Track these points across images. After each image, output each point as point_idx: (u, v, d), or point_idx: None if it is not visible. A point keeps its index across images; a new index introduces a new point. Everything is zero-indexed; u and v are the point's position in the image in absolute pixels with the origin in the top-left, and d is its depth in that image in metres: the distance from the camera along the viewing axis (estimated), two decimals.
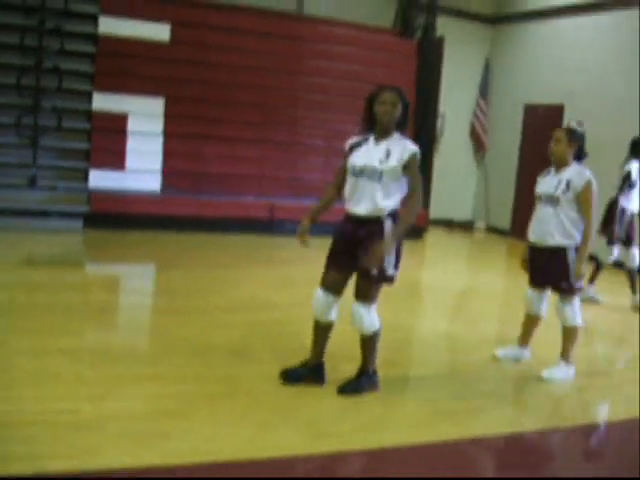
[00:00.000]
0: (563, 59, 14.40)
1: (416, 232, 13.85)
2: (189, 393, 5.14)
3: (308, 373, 5.56)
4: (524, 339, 6.65)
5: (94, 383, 5.12)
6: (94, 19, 12.31)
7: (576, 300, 6.26)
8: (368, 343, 5.49)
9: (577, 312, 6.26)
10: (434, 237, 14.65)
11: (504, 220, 15.70)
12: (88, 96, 12.21)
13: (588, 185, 6.05)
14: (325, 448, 4.48)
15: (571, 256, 6.12)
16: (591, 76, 13.69)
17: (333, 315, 5.52)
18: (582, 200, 6.06)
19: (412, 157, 5.22)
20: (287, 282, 9.34)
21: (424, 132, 14.71)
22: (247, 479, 4.07)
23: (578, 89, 13.92)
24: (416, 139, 14.32)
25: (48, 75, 11.94)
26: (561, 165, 6.22)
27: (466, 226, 16.28)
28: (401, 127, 5.36)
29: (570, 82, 14.14)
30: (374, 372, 5.58)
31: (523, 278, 6.68)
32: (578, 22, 14.12)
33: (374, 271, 5.20)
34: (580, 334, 6.38)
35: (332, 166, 13.69)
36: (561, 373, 6.26)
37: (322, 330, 5.57)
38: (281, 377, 5.50)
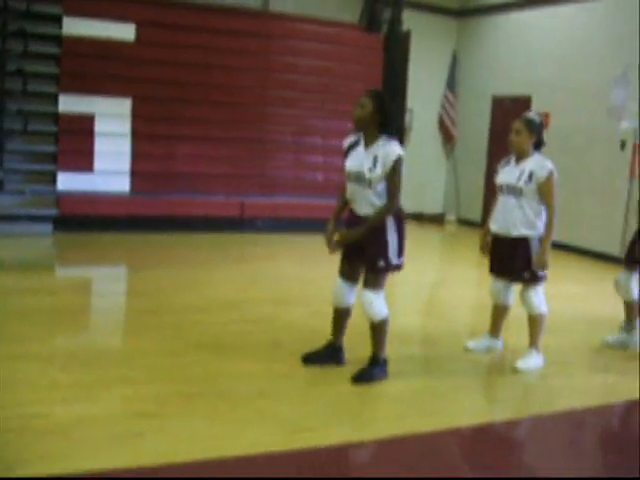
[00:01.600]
0: (529, 50, 14.49)
1: None
2: (163, 393, 5.11)
3: (327, 355, 6.02)
4: (494, 330, 6.69)
5: (67, 387, 5.09)
6: (58, 20, 12.19)
7: (540, 288, 6.30)
8: (378, 330, 5.75)
9: (542, 300, 6.32)
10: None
11: (475, 212, 15.75)
12: (54, 98, 12.09)
13: (550, 175, 6.10)
14: (301, 444, 4.47)
15: (534, 246, 6.17)
16: (557, 66, 13.78)
17: (350, 300, 5.91)
18: (545, 191, 6.11)
19: (394, 163, 5.49)
20: (258, 279, 9.32)
21: (392, 127, 14.71)
22: (228, 479, 4.06)
23: (545, 80, 14.01)
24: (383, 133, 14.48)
25: (12, 78, 11.84)
26: (522, 156, 6.26)
27: (437, 219, 16.31)
28: (383, 128, 5.54)
29: (537, 73, 14.23)
30: (384, 361, 5.80)
31: None
32: (543, 13, 14.20)
33: (381, 262, 5.57)
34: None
35: (302, 162, 13.77)
36: (533, 362, 6.30)
37: (340, 315, 5.98)
38: (303, 360, 5.94)
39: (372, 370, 5.73)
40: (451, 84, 16.39)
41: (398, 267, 5.72)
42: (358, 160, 5.61)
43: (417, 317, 8.22)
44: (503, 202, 6.32)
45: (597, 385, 6.27)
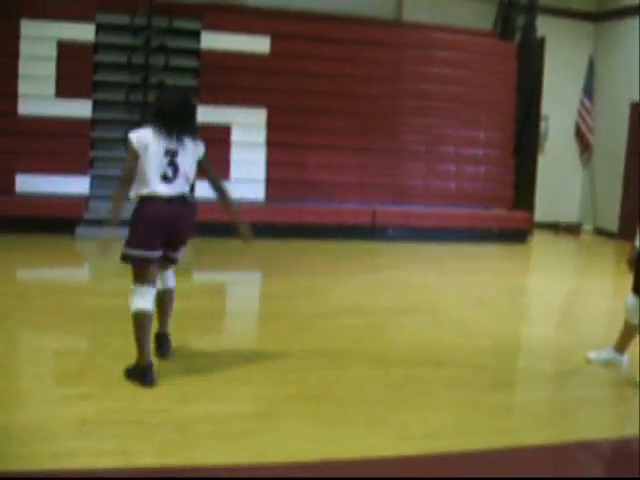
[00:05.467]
0: None
1: (520, 235, 13.79)
2: (278, 395, 5.31)
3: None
4: (621, 346, 6.45)
5: (186, 385, 5.36)
6: (197, 35, 12.71)
7: None
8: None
9: None
10: (539, 240, 14.52)
11: (612, 222, 15.41)
12: None
13: None
14: (410, 451, 4.55)
15: None
16: None
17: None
18: None
19: None
20: (385, 287, 9.44)
21: (526, 135, 14.61)
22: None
23: None
24: (518, 142, 14.38)
25: (155, 91, 12.36)
26: None
27: (573, 229, 16.02)
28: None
29: None
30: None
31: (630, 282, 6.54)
32: None
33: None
34: None
35: (434, 171, 13.82)
36: None
37: None
38: None
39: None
40: (588, 90, 16.08)
41: (124, 258, 5.44)
42: None
43: (546, 328, 8.12)
44: None
45: None
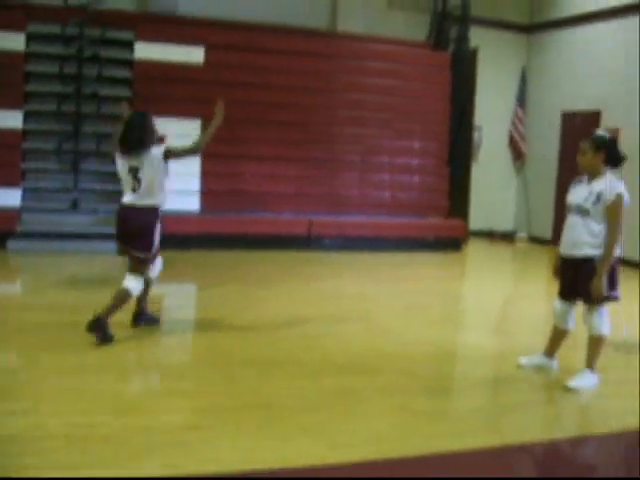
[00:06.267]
0: (599, 65, 14.38)
1: (455, 244, 13.92)
2: (212, 406, 5.27)
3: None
4: (550, 350, 6.59)
5: (120, 398, 5.29)
6: (130, 45, 12.62)
7: (604, 309, 6.20)
8: None
9: (604, 321, 6.18)
10: (475, 248, 14.68)
11: (545, 229, 15.63)
12: None
13: (618, 199, 5.96)
14: (342, 459, 4.55)
15: (599, 267, 6.02)
16: (628, 81, 13.62)
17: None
18: (610, 213, 5.97)
19: None
20: (320, 296, 9.43)
21: (460, 144, 14.77)
22: None
23: (615, 95, 13.88)
24: (452, 151, 14.53)
25: (88, 101, 12.26)
26: (593, 175, 6.13)
27: (507, 236, 16.23)
28: None
29: (607, 88, 14.12)
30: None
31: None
32: (613, 26, 14.10)
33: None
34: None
35: (369, 181, 13.88)
36: (586, 382, 6.24)
37: None
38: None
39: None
40: (521, 100, 16.36)
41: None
42: None
43: (480, 334, 8.18)
44: (570, 222, 6.21)
45: None
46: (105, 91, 12.49)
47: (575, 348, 6.66)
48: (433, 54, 15.01)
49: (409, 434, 5.01)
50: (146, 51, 12.62)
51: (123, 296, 6.75)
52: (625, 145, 13.05)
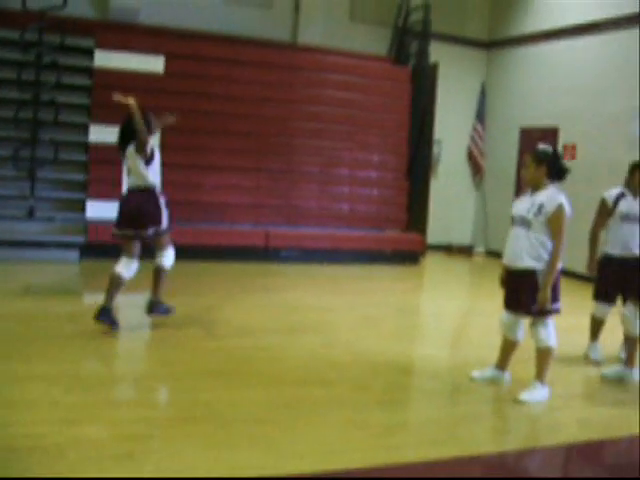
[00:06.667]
0: (557, 81, 14.56)
1: (413, 257, 13.97)
2: (160, 417, 5.24)
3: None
4: (501, 362, 6.64)
5: (67, 408, 5.23)
6: (90, 53, 12.53)
7: (549, 321, 6.27)
8: None
9: (551, 333, 6.26)
10: (432, 262, 14.75)
11: (503, 243, 15.58)
12: (85, 128, 12.40)
13: (559, 209, 6.06)
14: (291, 470, 4.54)
15: (541, 279, 6.12)
16: (585, 97, 13.83)
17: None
18: (553, 224, 6.06)
19: None
20: (276, 308, 9.39)
21: (419, 158, 14.85)
22: None
23: (571, 111, 14.07)
24: (411, 165, 14.61)
25: (45, 108, 12.14)
26: (536, 188, 6.24)
27: (465, 250, 16.32)
28: None
29: (564, 104, 14.29)
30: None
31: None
32: (570, 44, 14.27)
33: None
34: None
35: (327, 193, 13.90)
36: (537, 394, 6.28)
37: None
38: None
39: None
40: (480, 115, 16.50)
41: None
42: None
43: (435, 347, 8.23)
44: (513, 233, 6.32)
45: (599, 419, 6.23)
46: (63, 99, 12.38)
47: (528, 361, 6.69)
48: (394, 68, 15.10)
49: (360, 446, 5.01)
50: (106, 59, 12.52)
51: (115, 281, 7.46)
52: (582, 161, 13.34)
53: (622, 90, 12.94)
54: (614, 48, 13.26)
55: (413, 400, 6.51)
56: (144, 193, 7.76)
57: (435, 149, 15.83)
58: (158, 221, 7.68)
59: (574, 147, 13.89)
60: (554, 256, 6.08)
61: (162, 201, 7.84)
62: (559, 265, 6.13)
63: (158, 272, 7.84)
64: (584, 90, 13.87)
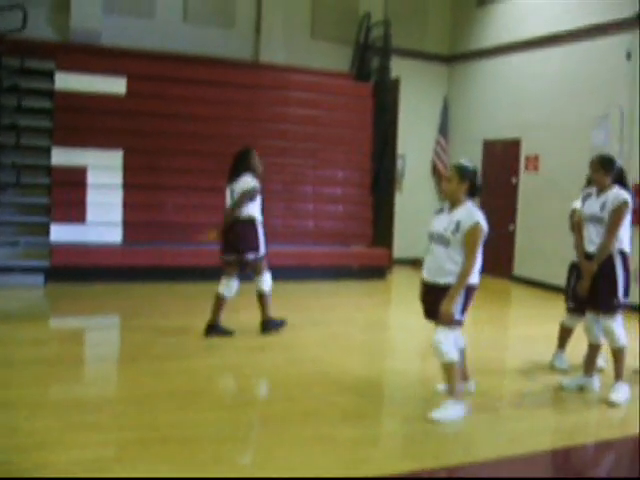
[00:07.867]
0: (518, 94, 14.71)
1: (379, 272, 14.00)
2: (125, 439, 5.22)
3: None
4: (464, 373, 6.69)
5: (31, 434, 5.20)
6: (50, 76, 12.49)
7: (450, 334, 6.14)
8: None
9: (449, 346, 6.13)
10: (399, 276, 14.79)
11: None
12: (47, 151, 12.34)
13: (475, 226, 6.01)
14: None
15: (462, 295, 6.07)
16: (545, 109, 13.97)
17: None
18: (467, 241, 6.00)
19: None
20: (240, 327, 9.34)
21: (384, 173, 14.91)
22: None
23: (533, 122, 14.20)
24: (375, 180, 14.66)
25: (6, 132, 12.08)
26: (455, 203, 6.22)
27: None
28: None
29: (526, 116, 14.43)
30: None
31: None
32: (530, 57, 14.42)
33: None
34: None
35: (292, 210, 13.90)
36: (450, 412, 6.16)
37: None
38: None
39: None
40: (443, 129, 16.61)
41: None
42: None
43: (400, 361, 8.28)
44: (433, 250, 6.19)
45: (552, 428, 6.27)
46: (25, 122, 12.33)
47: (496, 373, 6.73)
48: (356, 84, 15.18)
49: (326, 462, 5.03)
50: (67, 81, 12.48)
51: (219, 300, 8.62)
52: (545, 172, 13.48)
53: (583, 100, 13.08)
54: (574, 59, 13.41)
55: (380, 414, 6.53)
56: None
57: (399, 164, 15.91)
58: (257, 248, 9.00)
59: (537, 158, 14.03)
60: (465, 271, 5.99)
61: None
62: (473, 280, 6.10)
63: (260, 296, 8.85)
64: (545, 101, 14.01)
